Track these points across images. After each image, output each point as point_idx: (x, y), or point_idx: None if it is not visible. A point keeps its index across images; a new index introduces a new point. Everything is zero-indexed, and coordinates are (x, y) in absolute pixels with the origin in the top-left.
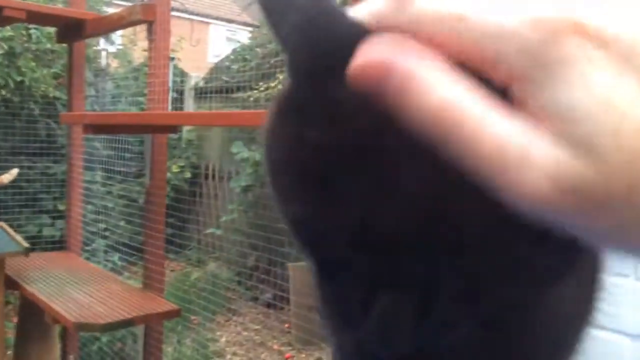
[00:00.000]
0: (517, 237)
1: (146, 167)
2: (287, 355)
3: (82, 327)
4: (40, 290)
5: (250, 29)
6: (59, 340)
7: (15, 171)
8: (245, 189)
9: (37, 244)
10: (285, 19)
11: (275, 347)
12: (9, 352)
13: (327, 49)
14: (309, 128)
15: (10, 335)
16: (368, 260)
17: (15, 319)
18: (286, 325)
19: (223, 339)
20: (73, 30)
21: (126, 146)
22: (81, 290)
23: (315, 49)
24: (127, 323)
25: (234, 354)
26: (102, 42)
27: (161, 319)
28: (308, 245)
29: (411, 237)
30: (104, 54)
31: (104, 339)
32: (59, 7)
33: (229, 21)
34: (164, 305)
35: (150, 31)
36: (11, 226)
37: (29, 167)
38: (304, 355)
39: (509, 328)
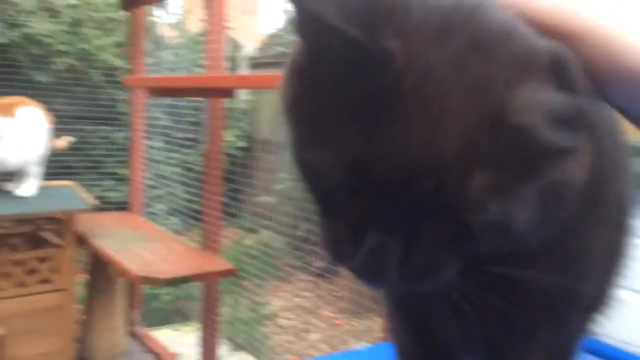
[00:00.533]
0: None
1: (203, 133)
2: (338, 321)
3: (146, 280)
4: (107, 245)
5: None
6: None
7: (69, 139)
8: None
9: (103, 206)
10: None
11: (326, 313)
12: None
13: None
14: (312, 71)
15: (79, 290)
16: (359, 203)
17: (83, 276)
18: (336, 294)
19: (274, 304)
20: None
21: (184, 115)
22: (145, 247)
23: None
24: (187, 279)
25: (286, 318)
26: (158, 13)
27: (218, 278)
28: (310, 186)
29: (397, 184)
30: (160, 23)
31: (165, 297)
32: None
33: None
34: (221, 264)
35: None
36: None
37: (92, 132)
38: (354, 323)
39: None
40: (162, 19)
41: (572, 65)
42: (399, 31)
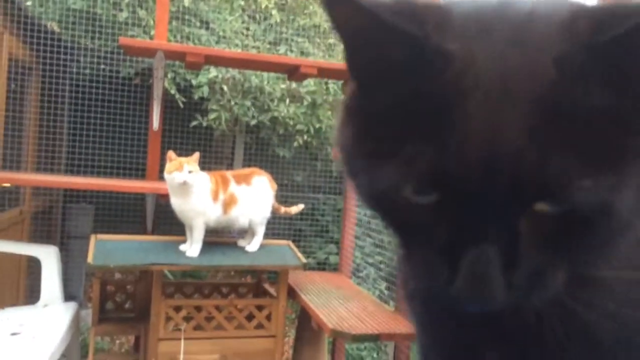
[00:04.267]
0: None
1: None
2: None
3: (337, 334)
4: (311, 300)
5: None
6: (329, 351)
7: (301, 206)
8: None
9: (325, 267)
10: None
11: None
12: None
13: None
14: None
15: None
16: (445, 219)
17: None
18: None
19: None
20: None
21: None
22: (343, 304)
23: None
24: (374, 337)
25: None
26: None
27: (406, 340)
28: (391, 218)
29: (479, 186)
30: None
31: (368, 358)
32: (342, 63)
33: None
34: (409, 327)
35: None
36: (305, 250)
37: (324, 202)
38: None
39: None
40: None
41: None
42: (451, 34)
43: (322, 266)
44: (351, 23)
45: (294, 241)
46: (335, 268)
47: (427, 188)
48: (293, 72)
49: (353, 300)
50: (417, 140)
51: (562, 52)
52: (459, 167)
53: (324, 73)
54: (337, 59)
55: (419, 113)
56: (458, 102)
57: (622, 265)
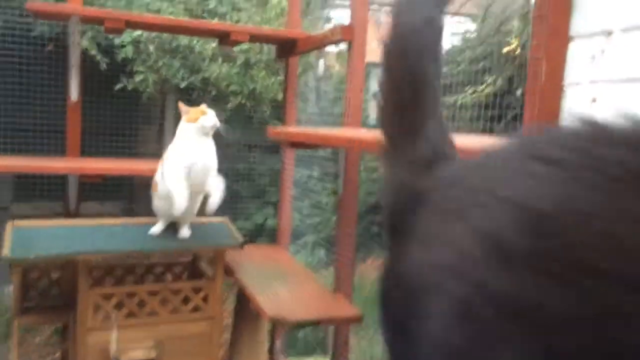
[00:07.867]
0: None
1: (340, 176)
2: None
3: (276, 321)
4: (249, 282)
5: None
6: (268, 330)
7: None
8: None
9: (262, 231)
10: None
11: None
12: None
13: None
14: None
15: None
16: None
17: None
18: None
19: None
20: (288, 48)
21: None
22: (282, 286)
23: None
24: (314, 323)
25: None
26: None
27: (345, 323)
28: None
29: None
30: (321, 61)
31: (308, 328)
32: (275, 29)
33: (454, 14)
34: (349, 310)
35: (350, 49)
36: (242, 213)
37: (260, 163)
38: None
39: None
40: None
41: None
42: None
43: (260, 230)
44: None
45: (230, 204)
46: (273, 231)
47: None
48: (224, 38)
49: (293, 280)
50: None
51: None
52: None
53: (255, 39)
54: (270, 16)
55: None
56: None
57: None
